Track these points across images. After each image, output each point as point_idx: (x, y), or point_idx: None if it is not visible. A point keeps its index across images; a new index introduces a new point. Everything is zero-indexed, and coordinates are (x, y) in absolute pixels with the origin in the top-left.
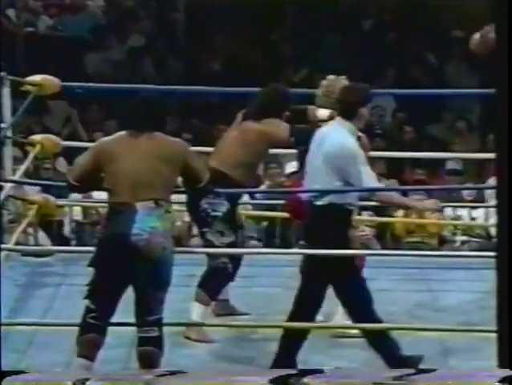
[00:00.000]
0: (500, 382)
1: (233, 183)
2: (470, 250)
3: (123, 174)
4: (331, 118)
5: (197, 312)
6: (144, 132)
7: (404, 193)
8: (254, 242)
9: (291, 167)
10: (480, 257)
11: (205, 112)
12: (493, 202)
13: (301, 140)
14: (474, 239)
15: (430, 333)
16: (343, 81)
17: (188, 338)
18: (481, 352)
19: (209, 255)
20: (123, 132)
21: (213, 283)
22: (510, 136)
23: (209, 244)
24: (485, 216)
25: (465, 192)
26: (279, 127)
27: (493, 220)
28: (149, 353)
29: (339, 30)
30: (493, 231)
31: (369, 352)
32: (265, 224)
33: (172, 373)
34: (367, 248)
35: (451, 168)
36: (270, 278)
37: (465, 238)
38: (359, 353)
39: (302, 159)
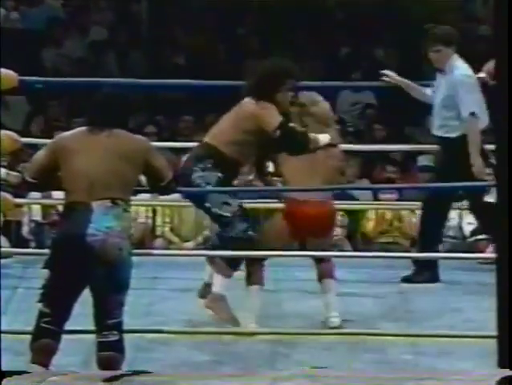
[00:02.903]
0: (500, 382)
1: (225, 158)
2: (444, 251)
3: (79, 172)
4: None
5: (219, 284)
6: (105, 129)
7: (375, 193)
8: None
9: None
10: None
11: (169, 107)
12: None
13: (287, 142)
14: (448, 240)
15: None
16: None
17: (210, 308)
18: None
19: (225, 225)
20: (82, 128)
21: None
22: (510, 135)
23: (216, 218)
24: (459, 216)
25: None
26: (271, 115)
27: (467, 219)
28: (110, 358)
29: (308, 23)
30: (467, 231)
31: None
32: None
33: (136, 373)
34: (339, 249)
35: (423, 164)
36: None
37: None
38: None
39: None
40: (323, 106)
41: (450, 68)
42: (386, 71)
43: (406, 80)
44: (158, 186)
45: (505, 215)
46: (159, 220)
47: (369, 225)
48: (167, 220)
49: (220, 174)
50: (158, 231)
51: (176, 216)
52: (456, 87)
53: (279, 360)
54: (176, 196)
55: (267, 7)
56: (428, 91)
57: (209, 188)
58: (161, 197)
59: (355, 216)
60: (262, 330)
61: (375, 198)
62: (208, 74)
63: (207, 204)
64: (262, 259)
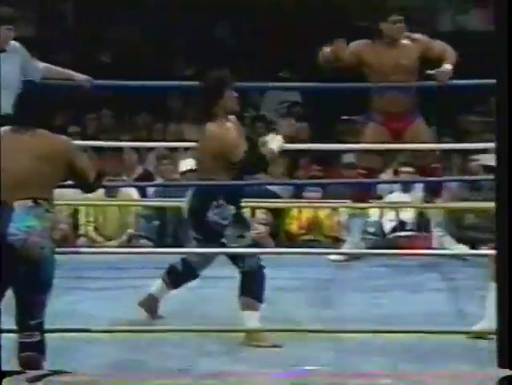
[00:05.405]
0: (500, 382)
1: (210, 177)
2: (365, 248)
3: (1, 172)
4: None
5: (252, 319)
6: (29, 129)
7: (298, 189)
8: (144, 241)
9: (186, 164)
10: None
11: (92, 106)
12: (389, 197)
13: None
14: (369, 236)
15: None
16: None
17: (260, 346)
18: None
19: (237, 260)
20: (6, 128)
21: (255, 285)
22: (510, 134)
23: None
24: (379, 213)
25: None
26: (217, 140)
27: (388, 216)
28: (31, 358)
29: (235, 21)
30: (387, 229)
31: None
32: (156, 222)
33: (56, 372)
34: (262, 246)
35: (347, 161)
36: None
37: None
38: None
39: None
40: None
41: (13, 46)
42: None
43: None
44: (83, 186)
45: (505, 215)
46: (82, 220)
47: (292, 223)
48: (91, 219)
49: (231, 206)
50: (81, 230)
51: (101, 215)
52: (30, 64)
53: (205, 357)
54: (100, 194)
55: (193, 4)
56: None
57: (228, 222)
58: (86, 196)
59: (278, 215)
60: (187, 328)
61: (299, 196)
62: (134, 72)
63: (223, 241)
64: None
